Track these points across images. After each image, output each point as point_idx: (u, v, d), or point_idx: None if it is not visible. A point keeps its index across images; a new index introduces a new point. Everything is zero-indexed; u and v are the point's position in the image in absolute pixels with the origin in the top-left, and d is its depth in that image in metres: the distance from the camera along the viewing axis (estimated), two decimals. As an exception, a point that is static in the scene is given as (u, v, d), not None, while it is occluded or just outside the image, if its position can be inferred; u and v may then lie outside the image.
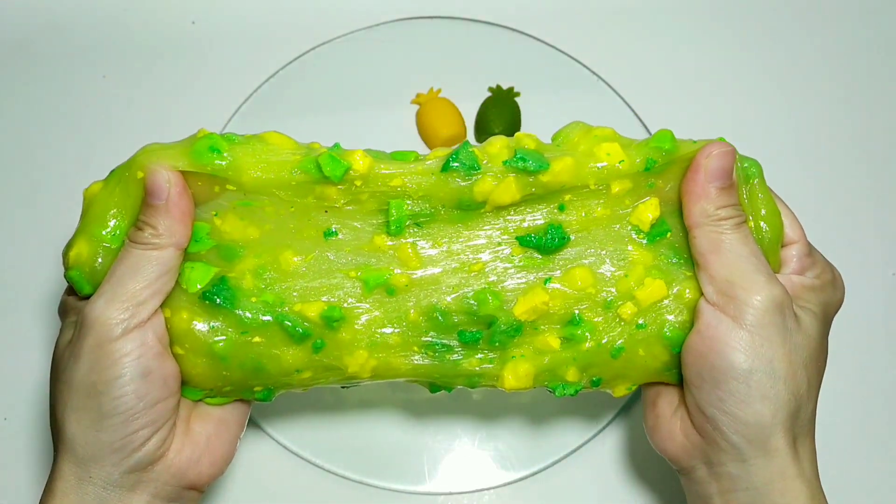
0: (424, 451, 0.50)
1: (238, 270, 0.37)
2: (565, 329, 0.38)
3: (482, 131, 0.56)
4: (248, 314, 0.36)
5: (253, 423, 0.50)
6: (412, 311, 0.37)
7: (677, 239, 0.38)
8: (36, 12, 0.62)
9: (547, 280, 0.38)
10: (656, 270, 0.38)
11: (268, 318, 0.36)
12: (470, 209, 0.37)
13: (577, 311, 0.38)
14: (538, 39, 0.58)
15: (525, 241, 0.38)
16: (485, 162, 0.36)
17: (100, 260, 0.36)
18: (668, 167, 0.37)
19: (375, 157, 0.37)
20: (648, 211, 0.38)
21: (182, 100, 0.59)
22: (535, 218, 0.38)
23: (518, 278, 0.38)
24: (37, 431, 0.52)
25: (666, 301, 0.37)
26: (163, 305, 0.35)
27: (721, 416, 0.35)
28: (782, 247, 0.38)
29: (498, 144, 0.37)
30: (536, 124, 0.56)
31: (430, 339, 0.38)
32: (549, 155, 0.37)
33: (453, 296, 0.37)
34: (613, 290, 0.38)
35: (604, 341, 0.37)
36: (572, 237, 0.38)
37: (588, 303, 0.38)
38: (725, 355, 0.34)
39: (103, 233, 0.36)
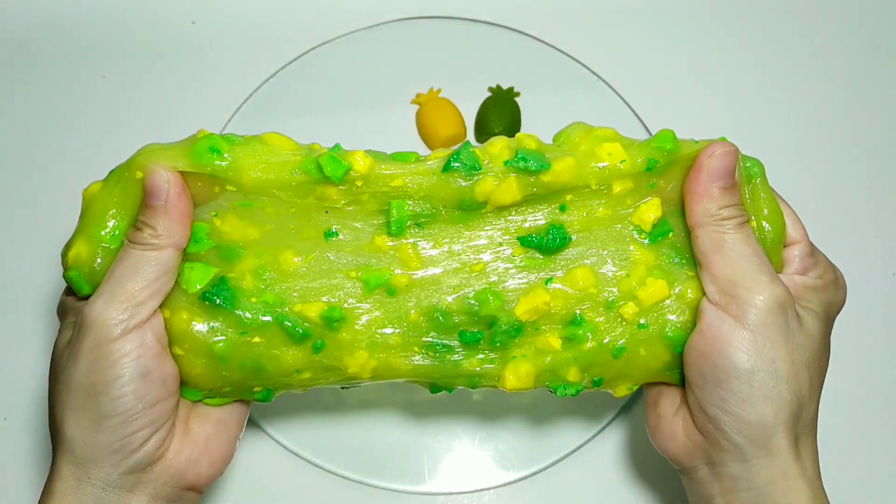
0: (424, 451, 0.50)
1: (238, 271, 0.37)
2: (567, 329, 0.38)
3: (482, 131, 0.56)
4: (247, 314, 0.36)
5: (253, 423, 0.50)
6: (413, 311, 0.37)
7: (679, 239, 0.38)
8: (36, 12, 0.61)
9: (548, 280, 0.37)
10: (658, 270, 0.37)
11: (268, 318, 0.36)
12: (471, 209, 0.37)
13: (578, 312, 0.37)
14: (538, 39, 0.58)
15: (526, 241, 0.38)
16: (486, 162, 0.36)
17: (99, 260, 0.36)
18: (669, 167, 0.37)
19: (376, 158, 0.37)
20: (650, 211, 0.38)
21: (182, 100, 0.59)
22: (536, 218, 0.38)
23: (519, 278, 0.37)
24: (37, 431, 0.52)
25: (668, 301, 0.37)
26: (162, 306, 0.35)
27: (723, 416, 0.35)
28: (784, 247, 0.38)
29: (499, 145, 0.37)
30: (536, 124, 0.56)
31: (430, 339, 0.37)
32: (550, 155, 0.37)
33: (454, 296, 0.37)
34: (615, 289, 0.37)
35: (605, 341, 0.37)
36: (574, 237, 0.38)
37: (590, 303, 0.37)
38: (728, 355, 0.34)
39: (102, 233, 0.36)
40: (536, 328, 0.38)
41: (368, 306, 0.37)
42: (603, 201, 0.38)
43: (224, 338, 0.36)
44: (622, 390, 0.39)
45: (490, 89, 0.57)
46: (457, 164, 0.36)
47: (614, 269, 0.38)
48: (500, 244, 0.38)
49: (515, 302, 0.37)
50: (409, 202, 0.37)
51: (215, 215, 0.37)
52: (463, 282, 0.37)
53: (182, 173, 0.35)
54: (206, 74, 0.60)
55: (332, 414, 0.51)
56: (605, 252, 0.38)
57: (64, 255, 0.36)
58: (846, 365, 0.49)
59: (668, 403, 0.38)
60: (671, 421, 0.38)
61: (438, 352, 0.37)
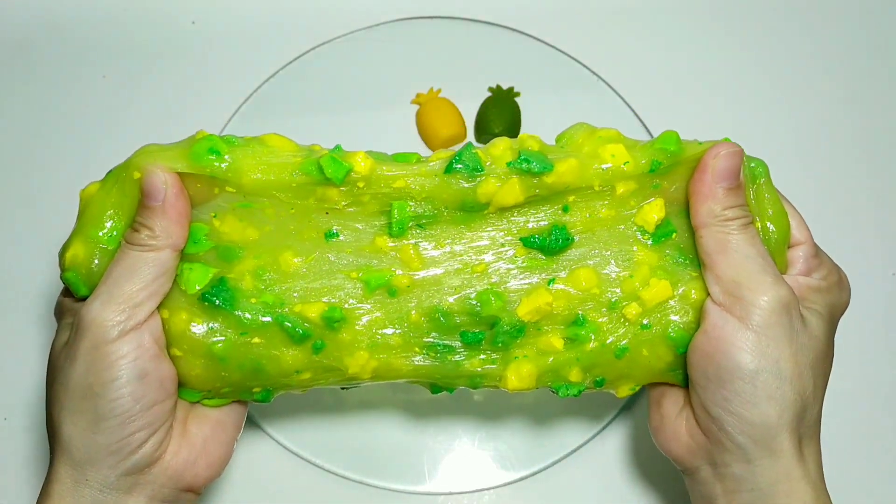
0: (424, 451, 0.50)
1: (237, 271, 0.36)
2: (569, 329, 0.37)
3: (482, 131, 0.56)
4: (247, 315, 0.36)
5: (253, 423, 0.49)
6: (414, 311, 0.37)
7: (682, 239, 0.38)
8: (36, 12, 0.61)
9: (551, 281, 0.37)
10: (661, 271, 0.37)
11: (267, 318, 0.36)
12: (473, 211, 0.37)
13: (580, 312, 0.37)
14: (538, 39, 0.58)
15: (529, 242, 0.37)
16: (488, 163, 0.36)
17: (96, 261, 0.35)
18: (673, 168, 0.37)
19: (377, 159, 0.36)
20: (653, 212, 0.37)
21: (182, 100, 0.59)
22: (538, 219, 0.37)
23: (521, 279, 0.37)
24: (37, 432, 0.52)
25: (671, 302, 0.37)
26: (160, 307, 0.35)
27: (727, 417, 0.34)
28: (789, 248, 0.38)
29: (501, 146, 0.37)
30: (536, 124, 0.56)
31: (431, 339, 0.37)
32: (552, 156, 0.36)
33: (455, 297, 0.37)
34: (618, 290, 0.37)
35: (608, 341, 0.37)
36: (576, 238, 0.37)
37: (592, 303, 0.37)
38: (731, 355, 0.34)
39: (100, 234, 0.35)
40: (538, 329, 0.37)
41: (369, 307, 0.37)
42: (606, 202, 0.37)
43: (223, 338, 0.36)
44: (624, 391, 0.39)
45: (490, 89, 0.57)
46: (459, 166, 0.36)
47: (617, 269, 0.37)
48: (503, 245, 0.37)
49: (517, 302, 0.37)
50: (411, 203, 0.37)
51: (214, 216, 0.36)
52: (464, 282, 0.37)
53: (180, 174, 0.35)
54: (206, 74, 0.60)
55: (332, 414, 0.50)
56: (608, 253, 0.37)
57: (61, 256, 0.36)
58: (846, 365, 0.49)
59: (672, 404, 0.38)
60: (674, 421, 0.38)
61: (439, 352, 0.37)
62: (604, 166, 0.36)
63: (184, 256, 0.36)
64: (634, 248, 0.38)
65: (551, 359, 0.37)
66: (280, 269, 0.37)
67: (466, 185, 0.36)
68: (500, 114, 0.56)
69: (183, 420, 0.37)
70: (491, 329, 0.37)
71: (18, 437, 0.51)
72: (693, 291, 0.37)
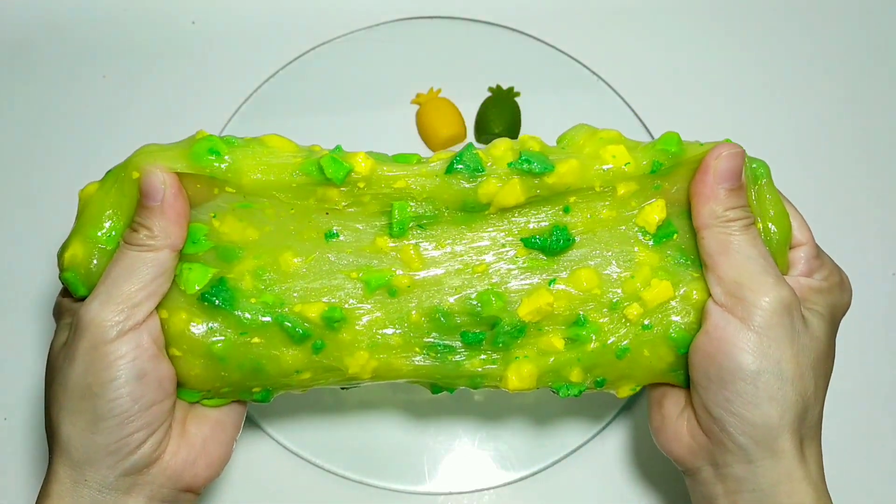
0: (424, 451, 0.50)
1: (237, 271, 0.36)
2: (570, 330, 0.37)
3: (482, 131, 0.56)
4: (247, 315, 0.36)
5: (253, 423, 0.49)
6: (414, 312, 0.37)
7: (684, 240, 0.38)
8: (36, 12, 0.61)
9: (552, 281, 0.37)
10: (663, 272, 0.37)
11: (267, 318, 0.36)
12: (474, 211, 0.37)
13: (581, 313, 0.37)
14: (538, 39, 0.58)
15: (530, 242, 0.37)
16: (489, 164, 0.36)
17: (95, 261, 0.35)
18: (674, 169, 0.37)
19: (377, 160, 0.36)
20: (655, 212, 0.37)
21: (182, 100, 0.59)
22: (539, 220, 0.37)
23: (522, 279, 0.37)
24: (37, 432, 0.51)
25: (672, 302, 0.37)
26: (160, 307, 0.35)
27: (728, 417, 0.34)
28: (790, 249, 0.38)
29: (502, 147, 0.37)
30: (536, 124, 0.56)
31: (432, 339, 0.37)
32: (553, 157, 0.36)
33: (456, 297, 0.37)
34: (619, 291, 0.37)
35: (609, 342, 0.37)
36: (577, 239, 0.37)
37: (593, 303, 0.37)
38: (733, 356, 0.34)
39: (98, 234, 0.35)
40: (539, 329, 0.37)
41: (369, 307, 0.37)
42: (607, 203, 0.37)
43: (223, 338, 0.35)
44: (625, 391, 0.39)
45: (490, 89, 0.57)
46: (460, 166, 0.36)
47: (618, 270, 0.37)
48: (504, 245, 0.37)
49: (518, 303, 0.37)
50: (412, 204, 0.37)
51: (214, 216, 0.36)
52: (465, 283, 0.37)
53: (180, 174, 0.35)
54: (206, 74, 0.60)
55: (332, 414, 0.50)
56: (610, 253, 0.37)
57: (60, 256, 0.36)
58: (846, 365, 0.49)
59: (673, 404, 0.38)
60: (675, 422, 0.38)
61: (440, 352, 0.37)
62: (605, 167, 0.36)
63: (183, 257, 0.36)
64: (635, 248, 0.37)
65: (552, 359, 0.37)
66: (280, 269, 0.36)
67: (467, 186, 0.36)
68: (500, 114, 0.55)
69: (182, 420, 0.37)
70: (491, 329, 0.37)
71: (18, 437, 0.51)
72: (694, 292, 0.37)
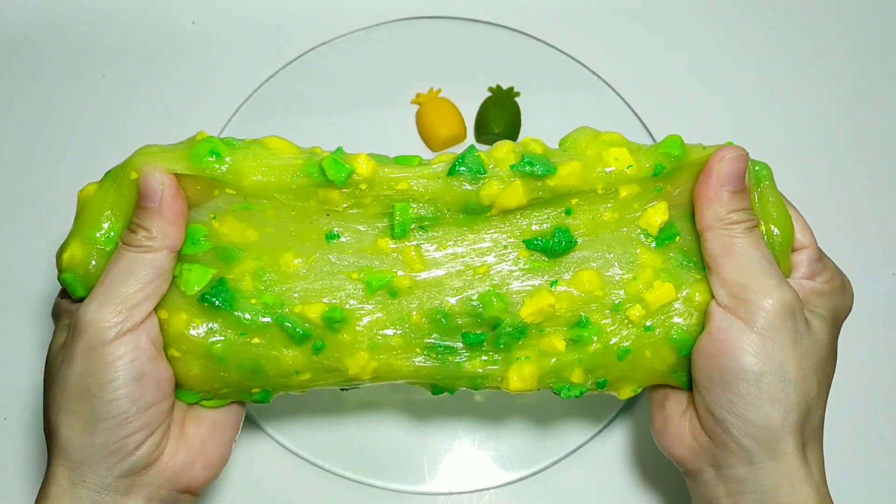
0: (424, 451, 0.50)
1: (237, 272, 0.36)
2: (572, 331, 0.37)
3: (482, 131, 0.56)
4: (247, 316, 0.35)
5: (253, 423, 0.49)
6: (415, 313, 0.36)
7: (686, 242, 0.38)
8: (36, 12, 0.61)
9: (553, 283, 0.37)
10: (665, 273, 0.37)
11: (267, 319, 0.35)
12: (476, 213, 0.37)
13: (583, 314, 0.37)
14: (538, 39, 0.58)
15: (532, 244, 0.37)
16: (491, 166, 0.36)
17: (93, 262, 0.35)
18: (676, 172, 0.37)
19: (379, 161, 0.36)
20: (657, 215, 0.37)
21: (182, 100, 0.59)
22: (541, 221, 0.37)
23: (524, 281, 0.37)
24: (37, 432, 0.51)
25: (675, 304, 0.37)
26: (159, 307, 0.35)
27: (731, 419, 0.34)
28: (793, 251, 0.38)
29: (504, 149, 0.37)
30: (536, 124, 0.56)
31: (432, 340, 0.37)
32: (556, 160, 0.36)
33: (457, 298, 0.36)
34: (622, 292, 0.37)
35: (611, 343, 0.37)
36: (579, 240, 0.37)
37: (596, 305, 0.37)
38: (736, 358, 0.34)
39: (97, 235, 0.35)
40: (540, 330, 0.37)
41: (370, 307, 0.36)
42: (609, 205, 0.37)
43: (223, 339, 0.35)
44: (626, 392, 0.38)
45: (490, 89, 0.57)
46: (462, 169, 0.36)
47: (621, 272, 0.37)
48: (505, 247, 0.37)
49: (520, 304, 0.37)
50: (414, 205, 0.36)
51: (214, 217, 0.36)
52: (466, 284, 0.37)
53: (179, 175, 0.35)
54: (206, 74, 0.59)
55: (332, 414, 0.50)
56: (612, 255, 0.37)
57: (58, 257, 0.36)
58: (846, 365, 0.48)
59: (675, 405, 0.38)
60: (677, 423, 0.37)
61: (440, 353, 0.37)
62: (607, 170, 0.36)
63: (182, 258, 0.35)
64: (638, 250, 0.37)
65: (553, 360, 0.37)
66: (280, 270, 0.36)
67: (469, 188, 0.36)
68: (500, 114, 0.55)
69: (180, 421, 0.36)
70: (493, 330, 0.37)
71: (18, 437, 0.51)
72: (697, 294, 0.36)
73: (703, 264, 0.37)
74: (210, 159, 0.35)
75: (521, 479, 0.49)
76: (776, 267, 0.35)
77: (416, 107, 0.57)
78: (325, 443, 0.49)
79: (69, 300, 0.36)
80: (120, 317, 0.33)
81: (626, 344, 0.37)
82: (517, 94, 0.57)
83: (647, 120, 0.55)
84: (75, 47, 0.60)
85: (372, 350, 0.36)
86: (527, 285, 0.37)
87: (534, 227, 0.37)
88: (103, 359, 0.33)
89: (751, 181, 0.37)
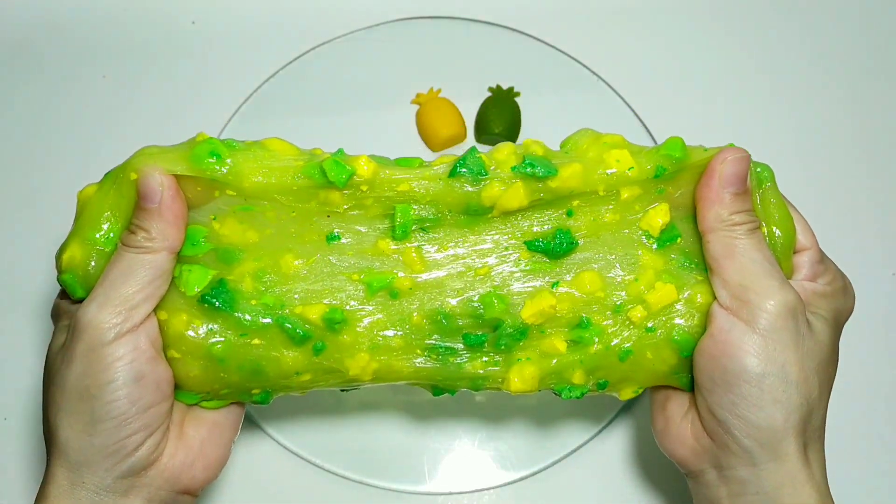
0: (424, 452, 0.49)
1: (237, 273, 0.36)
2: (573, 332, 0.37)
3: (482, 131, 0.55)
4: (247, 317, 0.35)
5: (253, 423, 0.49)
6: (416, 314, 0.36)
7: (688, 244, 0.37)
8: (36, 12, 0.61)
9: (555, 284, 0.37)
10: (667, 275, 0.37)
11: (267, 320, 0.35)
12: (477, 214, 0.37)
13: (585, 315, 0.37)
14: (538, 39, 0.57)
15: (533, 245, 0.37)
16: (492, 168, 0.36)
17: (93, 263, 0.35)
18: (678, 174, 0.37)
19: (380, 163, 0.36)
20: (658, 216, 0.37)
21: (182, 100, 0.58)
22: (542, 223, 0.37)
23: (525, 282, 0.37)
24: (37, 432, 0.51)
25: (677, 305, 0.36)
26: (159, 309, 0.35)
27: (733, 420, 0.34)
28: (794, 253, 0.38)
29: (505, 151, 0.36)
30: (536, 124, 0.56)
31: (433, 341, 0.37)
32: (557, 161, 0.36)
33: (458, 299, 0.36)
34: (623, 293, 0.37)
35: (612, 344, 0.37)
36: (581, 242, 0.37)
37: (597, 306, 0.37)
38: (738, 359, 0.34)
39: (97, 236, 0.35)
40: (541, 331, 0.37)
41: (371, 308, 0.36)
42: (611, 207, 0.37)
43: (223, 339, 0.35)
44: (627, 393, 0.38)
45: (490, 89, 0.57)
46: (463, 170, 0.36)
47: (622, 273, 0.37)
48: (506, 248, 0.37)
49: (521, 305, 0.36)
50: (415, 207, 0.36)
51: (214, 219, 0.36)
52: (467, 285, 0.37)
53: (179, 176, 0.34)
54: (206, 74, 0.59)
55: (333, 414, 0.50)
56: (613, 256, 0.37)
57: (58, 258, 0.35)
58: (846, 365, 0.48)
59: (677, 407, 0.38)
60: (679, 424, 0.37)
61: (441, 354, 0.37)
62: (608, 171, 0.36)
63: (182, 259, 0.35)
64: (639, 252, 0.37)
65: (554, 361, 0.37)
66: (280, 271, 0.36)
67: (471, 189, 0.36)
68: (500, 114, 0.55)
69: (179, 422, 0.36)
70: (494, 331, 0.37)
71: (18, 437, 0.51)
72: (698, 295, 0.36)
73: (704, 266, 0.36)
74: (210, 161, 0.34)
75: (521, 479, 0.48)
76: (778, 268, 0.35)
77: (416, 107, 0.57)
78: (325, 443, 0.49)
79: (68, 301, 0.36)
80: (119, 318, 0.33)
81: (628, 345, 0.36)
82: (517, 94, 0.56)
83: (646, 120, 0.55)
84: (75, 47, 0.60)
85: (372, 351, 0.36)
86: (528, 286, 0.37)
87: (535, 229, 0.37)
88: (103, 360, 0.32)
89: (752, 183, 0.37)
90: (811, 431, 0.35)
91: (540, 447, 0.49)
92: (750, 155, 0.36)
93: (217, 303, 0.35)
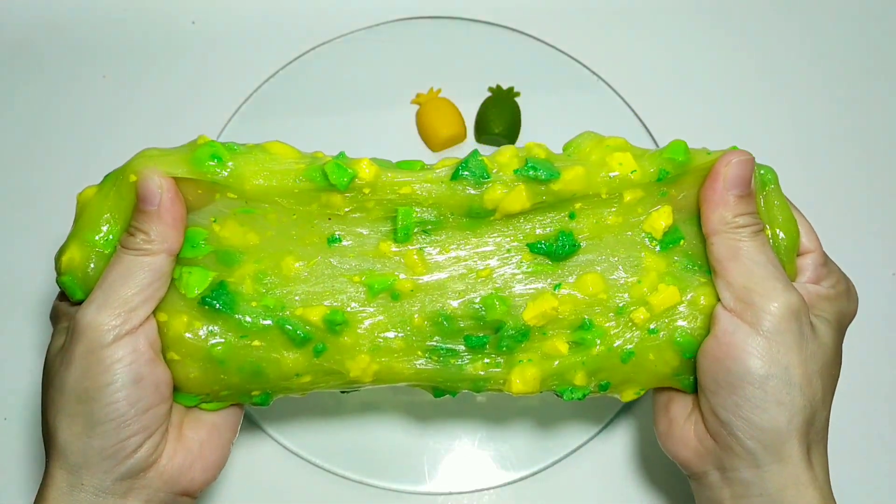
0: (425, 452, 0.49)
1: (237, 275, 0.36)
2: (575, 334, 0.37)
3: (482, 131, 0.55)
4: (247, 318, 0.35)
5: (253, 424, 0.49)
6: (417, 315, 0.36)
7: (691, 246, 0.37)
8: (36, 12, 0.60)
9: (557, 286, 0.37)
10: (670, 277, 0.37)
11: (268, 322, 0.35)
12: (479, 217, 0.36)
13: (587, 317, 0.37)
14: (538, 39, 0.57)
15: (535, 247, 0.37)
16: (494, 171, 0.36)
17: (92, 265, 0.35)
18: (681, 177, 0.37)
19: (381, 166, 0.36)
20: (661, 219, 0.37)
21: (182, 100, 0.58)
22: (545, 225, 0.37)
23: (527, 284, 0.37)
24: (37, 432, 0.51)
25: (679, 307, 0.36)
26: (158, 310, 0.34)
27: (736, 422, 0.34)
28: (798, 255, 0.38)
29: (508, 154, 0.36)
30: (537, 124, 0.55)
31: (434, 343, 0.36)
32: (559, 164, 0.36)
33: (459, 301, 0.36)
34: (626, 295, 0.36)
35: (614, 346, 0.36)
36: (583, 244, 0.37)
37: (600, 308, 0.37)
38: (742, 361, 0.33)
39: (96, 238, 0.35)
40: (543, 333, 0.37)
41: (372, 310, 0.36)
42: (613, 209, 0.37)
43: (223, 341, 0.35)
44: (629, 395, 0.38)
45: (490, 89, 0.56)
46: (466, 173, 0.35)
47: (625, 275, 0.37)
48: (509, 251, 0.37)
49: (523, 307, 0.36)
50: (417, 209, 0.36)
51: (214, 221, 0.36)
52: (469, 287, 0.36)
53: (178, 178, 0.34)
54: (206, 74, 0.59)
55: (333, 415, 0.50)
56: (616, 259, 0.37)
57: (57, 259, 0.35)
58: (847, 365, 0.48)
59: (680, 408, 0.38)
60: (682, 426, 0.37)
61: (442, 356, 0.36)
62: (611, 174, 0.36)
63: (182, 261, 0.35)
64: (642, 254, 0.37)
65: (556, 362, 0.37)
66: (281, 273, 0.36)
67: (473, 192, 0.35)
68: (500, 114, 0.55)
69: (178, 424, 0.36)
70: (495, 333, 0.36)
71: (18, 437, 0.51)
72: (701, 297, 0.36)
73: (707, 268, 0.36)
74: (211, 163, 0.34)
75: (522, 479, 0.48)
76: (782, 271, 0.35)
77: (416, 107, 0.56)
78: (325, 443, 0.49)
79: (68, 303, 0.36)
80: (118, 320, 0.32)
81: (630, 346, 0.36)
82: (517, 94, 0.56)
83: (646, 120, 0.54)
84: (75, 47, 0.59)
85: (373, 353, 0.36)
86: (530, 288, 0.36)
87: (537, 231, 0.37)
88: (101, 362, 0.32)
89: (756, 185, 0.36)
90: (814, 433, 0.34)
91: (540, 447, 0.49)
92: (754, 157, 0.36)
93: (217, 304, 0.34)
